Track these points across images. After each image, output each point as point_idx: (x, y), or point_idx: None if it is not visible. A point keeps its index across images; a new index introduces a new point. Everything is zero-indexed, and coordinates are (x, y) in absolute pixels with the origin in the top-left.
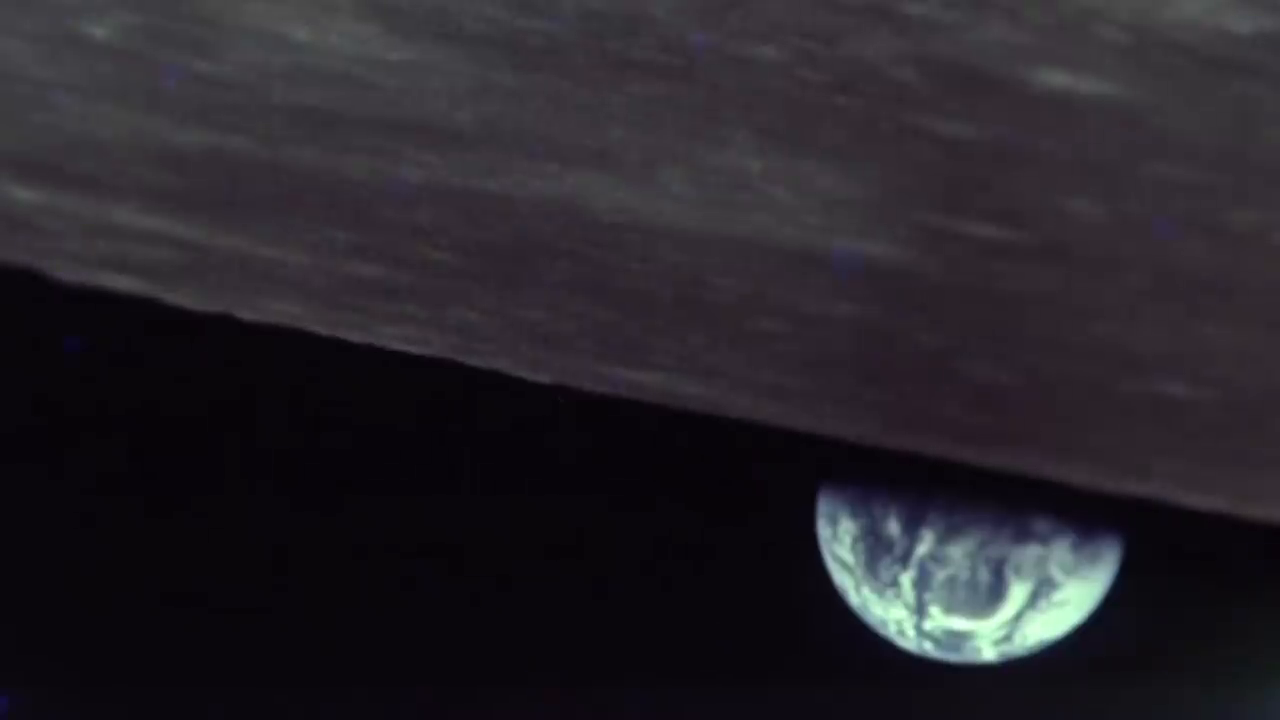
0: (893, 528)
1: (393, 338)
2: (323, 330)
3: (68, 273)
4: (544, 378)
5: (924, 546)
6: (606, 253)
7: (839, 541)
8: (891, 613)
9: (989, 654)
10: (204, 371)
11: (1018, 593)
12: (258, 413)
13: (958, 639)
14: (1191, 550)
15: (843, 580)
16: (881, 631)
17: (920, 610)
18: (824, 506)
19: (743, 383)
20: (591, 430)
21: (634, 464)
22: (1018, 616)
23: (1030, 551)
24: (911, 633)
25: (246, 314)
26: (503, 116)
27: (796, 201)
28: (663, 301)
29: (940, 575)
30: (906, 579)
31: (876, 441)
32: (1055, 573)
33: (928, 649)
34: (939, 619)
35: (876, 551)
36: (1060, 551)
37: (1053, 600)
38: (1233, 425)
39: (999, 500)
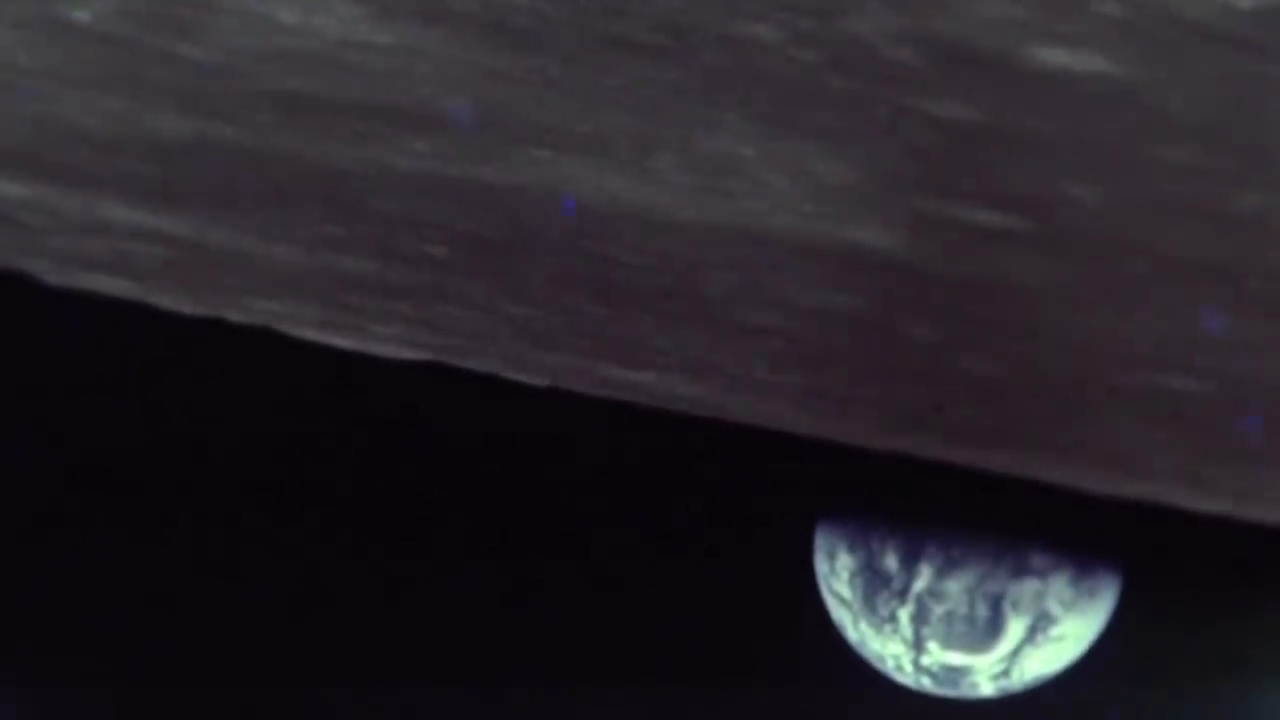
0: (890, 563)
1: (385, 339)
2: (314, 332)
3: (55, 275)
4: (538, 379)
5: (922, 582)
6: (599, 245)
7: (837, 576)
8: (889, 648)
9: (987, 689)
10: (201, 372)
11: (1015, 628)
12: (256, 415)
13: (955, 674)
14: (1189, 583)
15: (840, 615)
16: (879, 666)
17: (918, 645)
18: (822, 541)
19: (739, 382)
20: (590, 466)
21: (632, 500)
22: (1015, 651)
23: (1028, 586)
24: (909, 668)
25: (235, 315)
26: (493, 101)
27: (791, 188)
28: (657, 295)
29: (938, 610)
30: (904, 614)
31: (872, 443)
32: (1053, 608)
33: (925, 684)
34: (937, 654)
35: (874, 586)
36: (1058, 586)
37: (1050, 635)
38: (1234, 419)
39: (997, 535)
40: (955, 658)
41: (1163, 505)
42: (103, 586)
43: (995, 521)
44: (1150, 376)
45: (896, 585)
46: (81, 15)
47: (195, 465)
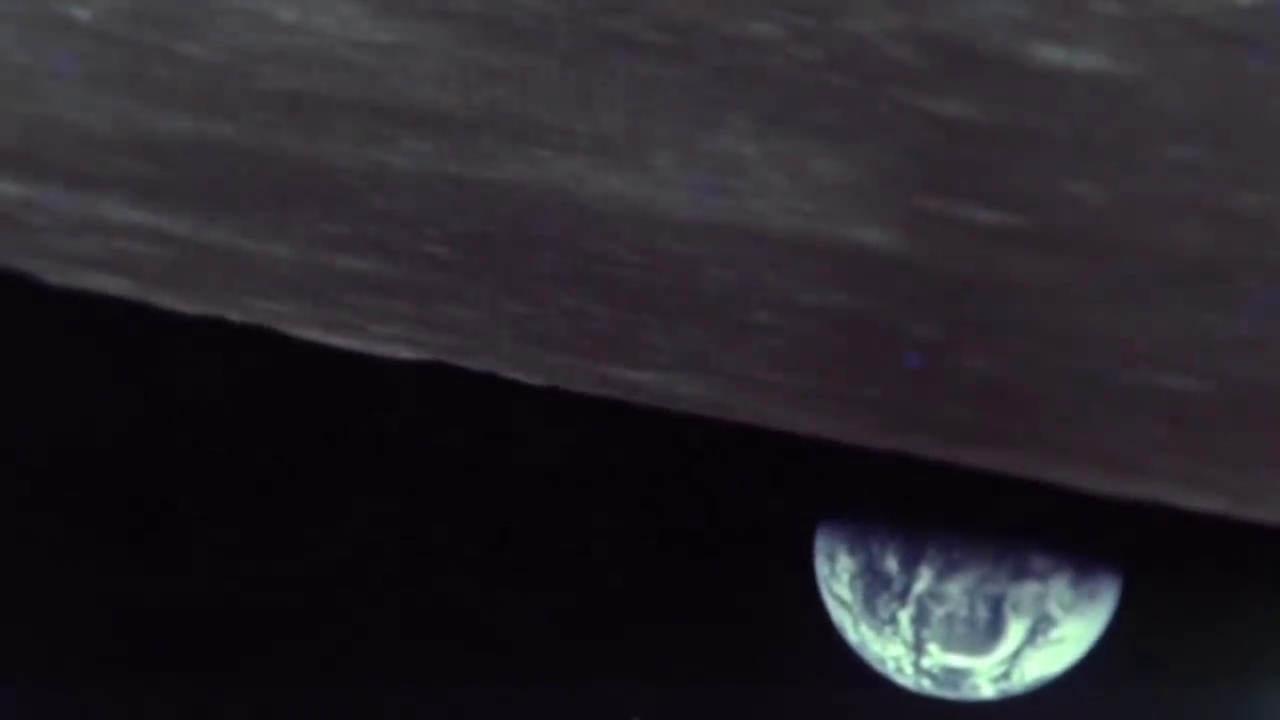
0: (891, 565)
1: (384, 338)
2: (314, 332)
3: (55, 274)
4: (537, 379)
5: (922, 584)
6: (599, 243)
7: (837, 579)
8: (890, 650)
9: (987, 691)
10: (201, 374)
11: (1016, 630)
12: (254, 414)
13: (956, 676)
14: (1190, 585)
15: (841, 617)
16: (880, 669)
17: (918, 647)
18: (822, 543)
19: (739, 381)
20: (591, 469)
21: (632, 501)
22: (1016, 654)
23: (1028, 588)
24: (910, 670)
25: (235, 315)
26: (492, 99)
27: (791, 187)
28: (656, 294)
29: (938, 612)
30: (905, 616)
31: (871, 442)
32: (1054, 610)
33: (926, 686)
34: (937, 656)
35: (875, 588)
36: (1059, 588)
37: (1051, 637)
38: (1233, 419)
39: (997, 537)
40: (956, 660)
41: (1163, 505)
42: (101, 586)
43: (995, 524)
44: (1150, 375)
45: (897, 587)
46: (81, 13)
47: (195, 464)
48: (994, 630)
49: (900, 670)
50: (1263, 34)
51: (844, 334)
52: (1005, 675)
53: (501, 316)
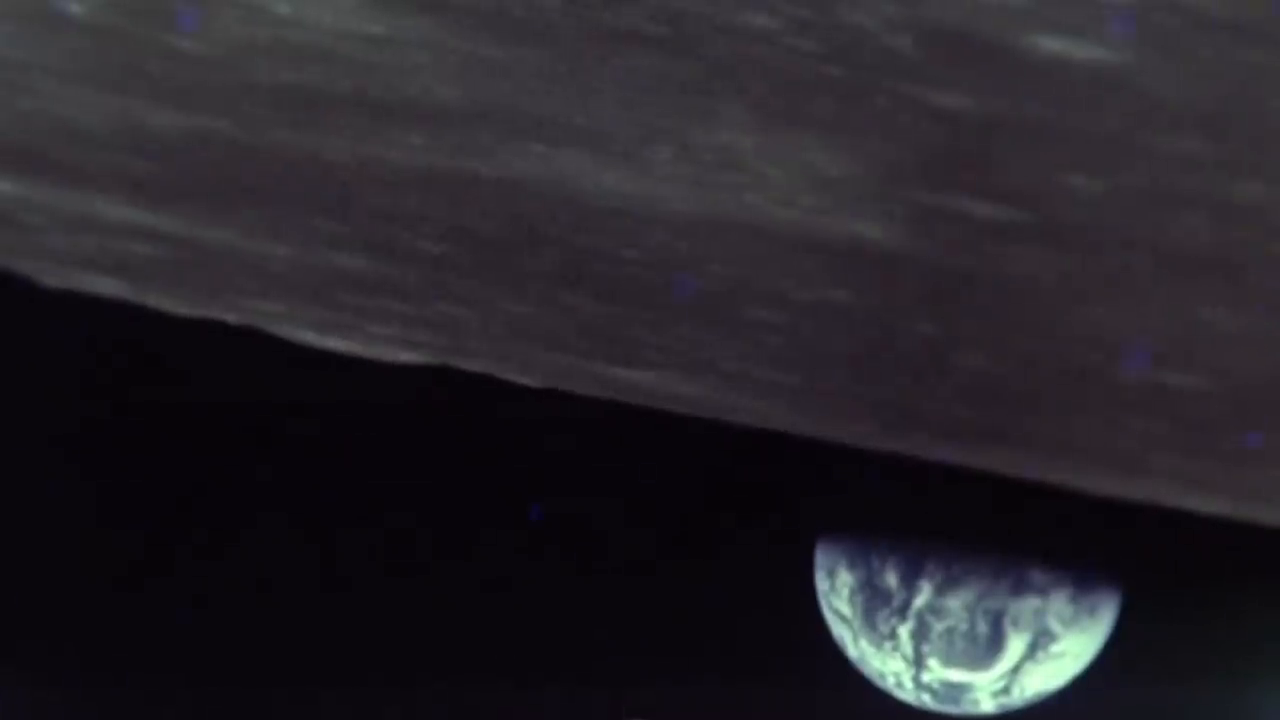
0: (891, 580)
1: (381, 339)
2: (312, 332)
3: (52, 276)
4: (535, 380)
5: (922, 598)
6: (596, 239)
7: (837, 594)
8: (890, 665)
9: (987, 706)
10: (201, 373)
11: (1016, 645)
12: (253, 413)
13: (956, 691)
14: (1190, 600)
15: (841, 632)
16: (880, 684)
17: (918, 662)
18: (822, 559)
19: (736, 380)
20: (590, 481)
21: (632, 518)
22: (1016, 668)
23: (1028, 603)
24: (910, 685)
25: (231, 316)
26: (488, 93)
27: (789, 180)
28: (653, 291)
29: (938, 627)
30: (904, 631)
31: (870, 443)
32: (1053, 624)
33: (926, 701)
34: (937, 671)
35: (874, 603)
36: (1058, 603)
37: (1051, 652)
38: (1234, 416)
39: (997, 552)
40: (956, 674)
41: (1161, 506)
42: (99, 586)
43: (995, 538)
44: (1150, 372)
45: (897, 602)
46: (73, 7)
47: (193, 464)
48: (994, 645)
49: (900, 685)
50: (1263, 24)
51: (843, 330)
52: (1005, 690)
53: (498, 315)
